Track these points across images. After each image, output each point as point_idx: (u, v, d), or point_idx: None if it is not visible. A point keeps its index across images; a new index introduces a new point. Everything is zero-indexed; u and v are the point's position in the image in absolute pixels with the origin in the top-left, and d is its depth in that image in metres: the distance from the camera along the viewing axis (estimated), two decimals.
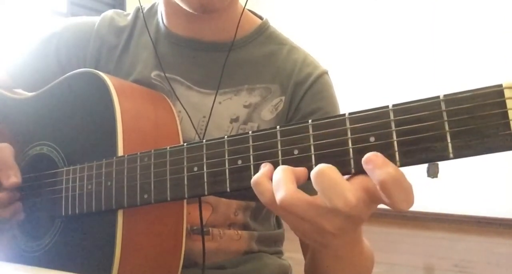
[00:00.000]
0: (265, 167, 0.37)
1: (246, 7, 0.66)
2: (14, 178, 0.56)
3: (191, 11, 0.58)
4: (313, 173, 0.33)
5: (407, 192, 0.32)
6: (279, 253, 0.72)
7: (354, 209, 0.33)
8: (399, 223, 3.08)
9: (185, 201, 0.54)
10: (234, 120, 0.62)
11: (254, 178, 0.37)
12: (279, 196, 0.34)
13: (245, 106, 0.62)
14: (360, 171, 0.34)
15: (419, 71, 3.18)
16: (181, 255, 0.54)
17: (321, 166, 0.33)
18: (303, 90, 0.63)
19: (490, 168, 2.87)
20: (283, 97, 0.63)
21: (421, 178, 2.50)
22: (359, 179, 0.34)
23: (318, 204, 0.34)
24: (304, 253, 0.61)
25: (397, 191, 0.31)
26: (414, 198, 0.32)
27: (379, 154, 0.32)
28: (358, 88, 3.23)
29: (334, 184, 0.33)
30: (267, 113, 0.62)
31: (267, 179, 0.36)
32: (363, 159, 0.33)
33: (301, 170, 0.36)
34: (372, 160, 0.32)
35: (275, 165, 0.37)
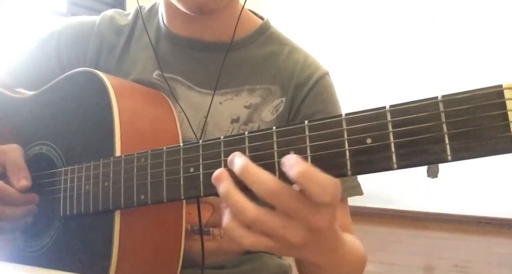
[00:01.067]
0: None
1: (247, 8, 0.66)
2: (24, 180, 0.56)
3: (188, 12, 0.57)
4: (237, 168, 0.35)
5: (321, 184, 0.32)
6: None
7: (277, 198, 0.33)
8: (399, 223, 3.08)
9: (184, 201, 0.53)
10: (235, 120, 0.62)
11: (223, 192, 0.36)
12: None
13: (245, 107, 0.62)
14: (357, 172, 0.34)
15: (419, 72, 3.17)
16: (180, 255, 0.54)
17: (241, 161, 0.34)
18: (304, 92, 0.63)
19: (490, 168, 2.87)
20: (283, 99, 0.63)
21: (421, 178, 2.49)
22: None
23: (271, 213, 0.34)
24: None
25: (310, 186, 0.32)
26: (335, 189, 0.32)
27: (291, 156, 0.33)
28: (358, 88, 3.22)
29: (255, 173, 0.34)
30: (268, 114, 0.62)
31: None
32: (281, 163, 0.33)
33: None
34: (284, 162, 0.33)
35: (272, 166, 0.37)
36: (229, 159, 0.37)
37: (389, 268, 2.26)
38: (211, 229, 0.62)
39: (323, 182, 0.32)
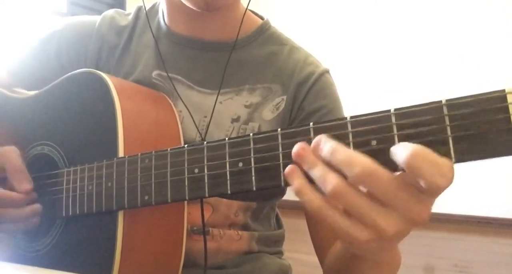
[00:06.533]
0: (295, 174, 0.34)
1: (247, 7, 0.66)
2: (26, 184, 0.56)
3: (194, 8, 0.57)
4: (327, 151, 0.32)
5: (438, 165, 0.29)
6: (279, 253, 0.72)
7: (376, 182, 0.30)
8: None
9: (185, 201, 0.54)
10: (235, 120, 0.62)
11: (295, 189, 0.34)
12: (328, 187, 0.32)
13: (246, 106, 0.62)
14: None
15: (420, 72, 3.17)
16: (182, 255, 0.54)
17: (330, 144, 0.32)
18: (306, 89, 0.63)
19: (490, 168, 2.87)
20: (284, 97, 0.63)
21: None
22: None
23: (367, 197, 0.32)
24: (321, 255, 0.61)
25: (424, 166, 0.29)
26: (452, 171, 0.29)
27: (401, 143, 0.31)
28: (359, 88, 3.22)
29: (348, 154, 0.31)
30: (268, 113, 0.62)
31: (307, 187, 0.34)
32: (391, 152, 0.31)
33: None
34: (393, 148, 0.31)
35: (277, 168, 0.37)
36: (313, 145, 0.34)
37: None
38: (210, 229, 0.62)
39: (439, 161, 0.29)
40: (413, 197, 0.31)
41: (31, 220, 0.57)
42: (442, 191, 0.30)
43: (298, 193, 0.34)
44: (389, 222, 0.31)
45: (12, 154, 0.58)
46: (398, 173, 0.32)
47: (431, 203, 0.32)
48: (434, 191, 0.30)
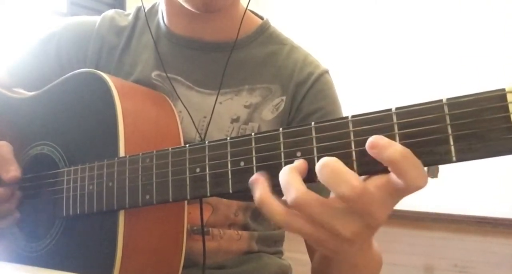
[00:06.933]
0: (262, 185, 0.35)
1: (247, 7, 0.67)
2: (14, 172, 0.56)
3: (193, 10, 0.58)
4: (317, 166, 0.32)
5: (420, 167, 0.31)
6: (279, 253, 0.72)
7: (361, 198, 0.31)
8: (399, 223, 3.08)
9: (186, 201, 0.54)
10: (235, 120, 0.62)
11: (258, 198, 0.35)
12: (290, 197, 0.33)
13: (245, 107, 0.62)
14: (363, 173, 0.34)
15: (420, 72, 3.17)
16: (182, 255, 0.55)
17: (325, 159, 0.33)
18: (305, 90, 0.63)
19: (490, 168, 2.87)
20: (284, 97, 0.63)
21: None
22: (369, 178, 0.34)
23: (331, 204, 0.33)
24: (311, 255, 0.61)
25: (409, 167, 0.30)
26: (427, 176, 0.31)
27: (381, 136, 0.32)
28: (359, 88, 3.23)
29: (339, 172, 0.32)
30: (268, 113, 0.62)
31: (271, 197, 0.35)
32: (367, 145, 0.32)
33: (302, 164, 0.35)
34: (377, 142, 0.31)
35: (278, 167, 0.37)
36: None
37: (389, 268, 2.26)
38: (210, 229, 0.62)
39: (420, 166, 0.31)
40: (338, 219, 0.33)
41: (12, 215, 0.58)
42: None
43: (259, 203, 0.34)
44: (349, 227, 0.33)
45: (2, 148, 0.58)
46: (363, 177, 0.33)
47: (393, 204, 0.33)
48: (411, 192, 0.32)
